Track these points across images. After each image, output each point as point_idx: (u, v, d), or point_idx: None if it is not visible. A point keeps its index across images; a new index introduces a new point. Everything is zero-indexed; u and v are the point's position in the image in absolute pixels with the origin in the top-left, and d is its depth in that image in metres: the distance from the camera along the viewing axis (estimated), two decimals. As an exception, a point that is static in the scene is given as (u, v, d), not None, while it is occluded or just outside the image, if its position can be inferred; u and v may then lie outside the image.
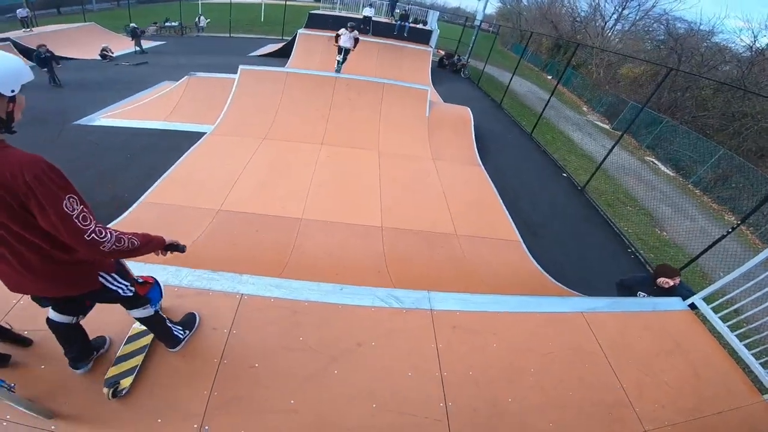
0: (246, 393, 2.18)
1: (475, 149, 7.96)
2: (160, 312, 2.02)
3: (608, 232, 6.85)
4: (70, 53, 12.85)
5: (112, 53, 13.62)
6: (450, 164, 7.29)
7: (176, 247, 1.85)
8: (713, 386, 2.72)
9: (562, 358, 2.73)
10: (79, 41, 14.11)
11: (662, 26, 23.95)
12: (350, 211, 5.48)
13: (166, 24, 20.52)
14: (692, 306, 3.29)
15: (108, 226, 1.59)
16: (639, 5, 25.60)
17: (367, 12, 16.14)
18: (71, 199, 1.28)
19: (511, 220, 6.10)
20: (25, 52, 12.26)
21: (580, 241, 6.34)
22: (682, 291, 3.42)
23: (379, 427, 2.18)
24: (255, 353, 2.37)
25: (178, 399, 2.08)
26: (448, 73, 16.99)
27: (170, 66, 12.55)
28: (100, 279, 1.61)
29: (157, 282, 1.95)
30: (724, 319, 3.08)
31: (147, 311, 1.90)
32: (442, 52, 18.43)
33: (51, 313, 1.74)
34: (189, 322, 2.32)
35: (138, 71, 12.04)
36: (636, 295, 3.61)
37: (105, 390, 1.92)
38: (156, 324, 2.02)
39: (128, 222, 4.77)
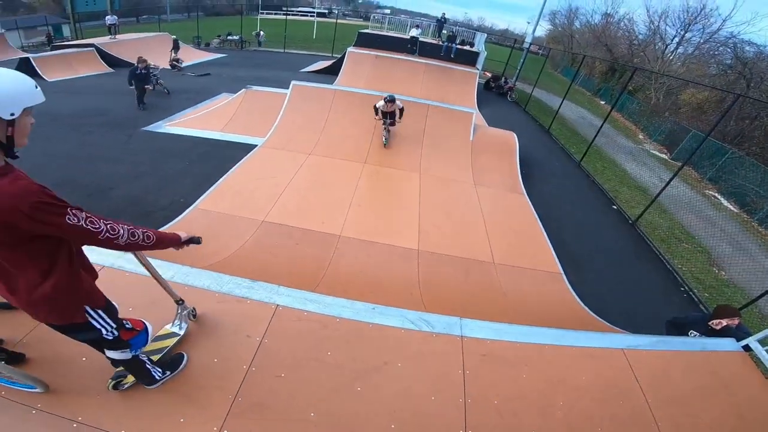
0: (268, 401, 2.24)
1: (519, 176, 7.77)
2: (141, 356, 1.94)
3: (660, 269, 6.37)
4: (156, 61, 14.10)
5: (181, 63, 14.80)
6: (492, 190, 7.15)
7: (193, 240, 1.94)
8: (759, 427, 2.51)
9: (595, 394, 2.60)
10: (155, 50, 15.44)
11: (729, 50, 22.34)
12: (388, 231, 5.51)
13: (228, 37, 22.06)
14: (746, 348, 3.03)
15: (153, 227, 1.65)
16: (704, 28, 24.14)
17: (414, 33, 16.47)
18: (72, 211, 1.31)
19: (553, 251, 5.85)
20: (107, 59, 13.71)
21: (628, 278, 5.93)
22: (740, 333, 3.16)
23: (397, 447, 2.15)
24: (283, 363, 2.44)
25: (203, 400, 2.17)
26: (495, 96, 16.82)
27: (229, 78, 13.47)
28: (86, 313, 1.57)
29: (146, 329, 1.89)
30: None
31: (124, 354, 1.79)
32: (489, 75, 18.32)
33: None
34: (174, 363, 2.23)
35: (201, 82, 13.01)
36: (687, 335, 3.39)
37: (109, 381, 2.03)
38: (133, 366, 1.95)
39: (181, 226, 5.10)
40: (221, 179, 6.14)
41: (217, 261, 4.41)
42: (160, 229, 4.98)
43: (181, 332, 2.41)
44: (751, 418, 2.55)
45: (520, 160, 8.16)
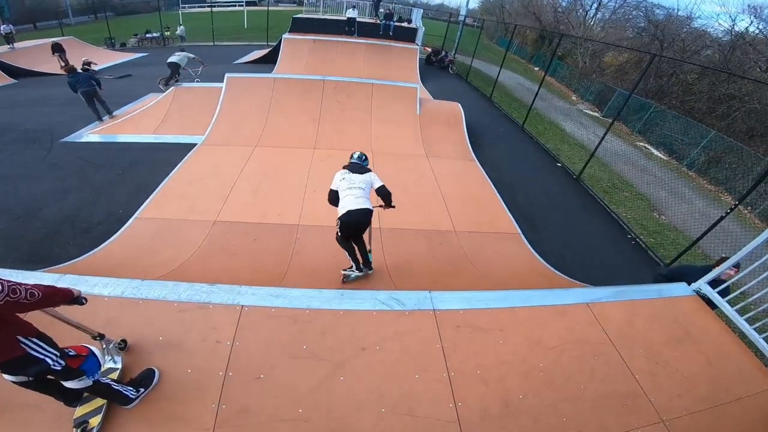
0: (254, 404, 2.16)
1: (469, 144, 7.94)
2: (102, 379, 1.90)
3: (607, 219, 6.84)
4: (50, 68, 12.66)
5: (95, 67, 13.38)
6: (444, 161, 7.26)
7: (78, 301, 1.80)
8: (728, 373, 2.71)
9: (571, 352, 2.71)
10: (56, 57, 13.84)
11: (641, 13, 24.14)
12: None
13: (147, 35, 20.27)
14: (699, 292, 3.27)
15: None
16: (618, -8, 25.81)
17: (351, 14, 16.08)
18: None
19: (509, 213, 6.08)
20: (8, 70, 12.11)
21: (579, 230, 6.33)
22: None
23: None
24: (260, 364, 2.35)
25: (186, 414, 2.06)
26: (437, 69, 16.97)
27: (154, 77, 12.32)
28: (21, 345, 1.52)
29: (92, 352, 1.83)
30: (732, 303, 3.06)
31: (84, 382, 1.76)
32: (429, 49, 18.41)
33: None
34: (145, 379, 2.15)
35: (122, 84, 11.88)
36: None
37: (74, 431, 1.89)
38: (99, 391, 1.90)
39: (125, 239, 4.70)
40: (162, 183, 5.70)
41: (171, 270, 4.11)
42: (103, 245, 4.51)
43: (118, 365, 2.21)
44: (719, 364, 2.74)
45: (467, 129, 8.33)
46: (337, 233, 3.69)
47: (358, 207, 3.53)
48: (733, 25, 18.28)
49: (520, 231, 5.71)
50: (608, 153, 9.80)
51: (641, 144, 14.08)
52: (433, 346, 2.60)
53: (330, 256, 4.63)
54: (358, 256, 3.99)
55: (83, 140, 7.29)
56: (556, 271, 4.97)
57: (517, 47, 29.33)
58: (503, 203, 6.29)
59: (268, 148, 6.79)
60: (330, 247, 4.76)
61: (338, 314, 2.71)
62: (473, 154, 7.68)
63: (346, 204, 3.56)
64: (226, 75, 7.91)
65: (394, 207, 3.90)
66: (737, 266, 3.11)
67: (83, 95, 7.95)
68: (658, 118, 14.43)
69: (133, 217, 5.07)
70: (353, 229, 3.72)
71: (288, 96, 7.83)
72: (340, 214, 3.59)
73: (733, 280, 3.13)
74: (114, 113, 8.52)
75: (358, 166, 3.85)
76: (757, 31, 17.50)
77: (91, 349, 1.83)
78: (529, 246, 5.44)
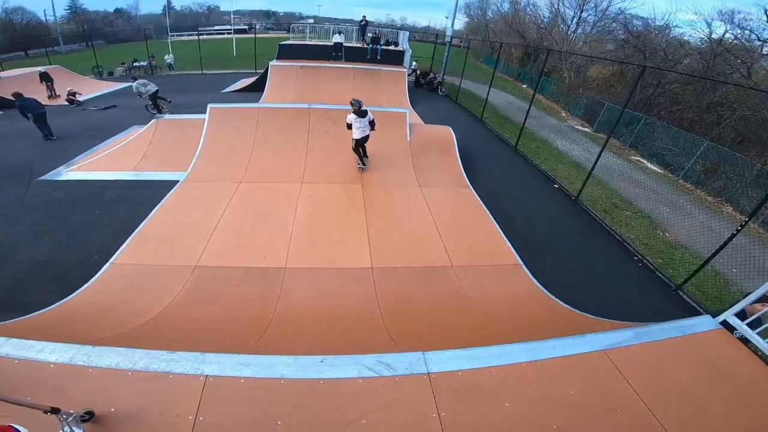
0: None
1: (462, 170, 7.73)
2: None
3: (610, 241, 6.57)
4: (37, 98, 12.36)
5: (80, 97, 13.21)
6: (437, 189, 7.01)
7: None
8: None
9: (589, 408, 2.40)
10: (44, 85, 13.65)
11: (621, 25, 24.75)
12: (337, 253, 5.11)
13: (135, 64, 20.25)
14: (725, 324, 2.97)
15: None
16: (596, 6, 26.53)
17: (337, 39, 16.19)
18: None
19: (508, 242, 5.79)
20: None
21: (583, 255, 6.04)
22: None
23: None
24: None
25: None
26: (426, 92, 17.02)
27: (140, 108, 12.17)
28: None
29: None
30: (763, 335, 2.76)
31: None
32: (418, 71, 18.54)
33: None
34: None
35: (106, 116, 11.67)
36: None
37: None
38: None
39: (99, 286, 4.35)
40: (140, 226, 5.36)
41: (143, 322, 3.75)
42: (74, 294, 4.06)
43: (79, 439, 1.89)
44: (757, 402, 2.46)
45: (460, 153, 8.14)
46: (353, 145, 6.98)
47: (363, 135, 6.80)
48: (710, 32, 18.70)
49: (521, 261, 5.41)
50: (604, 170, 9.63)
51: (635, 158, 14.05)
52: (429, 417, 2.28)
53: (318, 302, 4.30)
54: (362, 155, 7.22)
55: (61, 178, 6.97)
56: (564, 304, 4.64)
57: (504, 66, 29.82)
58: (501, 232, 6.01)
59: (254, 184, 6.50)
60: (318, 293, 4.45)
61: (317, 384, 2.39)
62: (467, 181, 7.46)
63: (358, 133, 6.74)
64: (209, 106, 7.70)
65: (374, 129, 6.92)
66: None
67: (35, 118, 8.47)
68: (649, 130, 14.45)
69: (109, 262, 4.72)
70: (361, 144, 6.96)
71: (273, 126, 7.61)
72: (355, 137, 6.80)
73: (762, 311, 2.84)
74: (55, 137, 9.04)
75: (363, 112, 6.58)
76: (733, 38, 17.89)
77: (17, 429, 1.74)
78: (531, 277, 5.13)
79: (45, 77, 13.61)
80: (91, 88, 15.02)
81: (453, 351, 2.68)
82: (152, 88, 10.59)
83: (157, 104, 10.87)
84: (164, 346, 3.16)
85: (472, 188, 7.20)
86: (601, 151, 7.69)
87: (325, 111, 7.95)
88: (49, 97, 13.46)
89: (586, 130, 17.01)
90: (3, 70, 15.17)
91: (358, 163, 7.26)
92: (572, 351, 2.76)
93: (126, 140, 8.10)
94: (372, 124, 6.74)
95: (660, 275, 5.72)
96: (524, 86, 24.80)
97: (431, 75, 17.48)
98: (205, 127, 7.47)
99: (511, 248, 5.65)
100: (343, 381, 2.41)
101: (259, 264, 4.78)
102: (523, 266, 5.31)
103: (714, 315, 3.08)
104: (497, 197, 7.22)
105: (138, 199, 6.17)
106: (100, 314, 3.84)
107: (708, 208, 10.54)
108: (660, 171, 13.18)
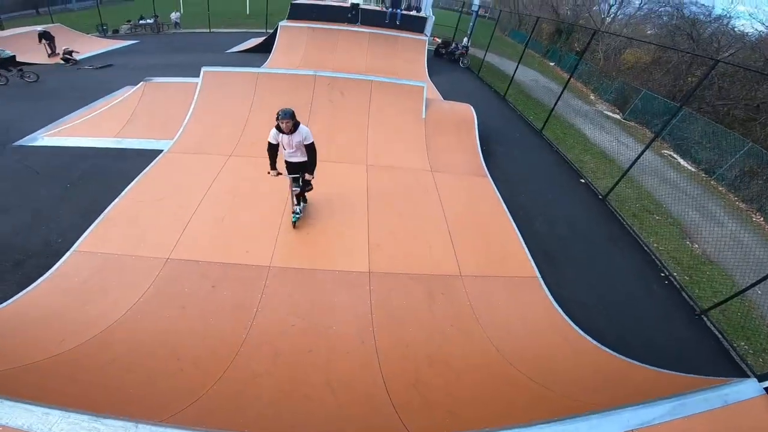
0: None
1: (481, 156, 6.89)
2: None
3: (636, 251, 5.81)
4: (33, 58, 11.64)
5: (76, 56, 12.40)
6: (452, 177, 6.22)
7: None
8: None
9: None
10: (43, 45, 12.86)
11: (669, 9, 22.47)
12: (331, 251, 4.47)
13: (141, 22, 19.13)
14: None
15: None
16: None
17: (355, -1, 14.87)
18: None
19: (526, 248, 5.08)
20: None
21: (605, 267, 5.32)
22: None
23: None
24: None
25: None
26: (446, 62, 15.75)
27: (140, 67, 11.35)
28: None
29: None
30: None
31: None
32: (439, 40, 17.14)
33: None
34: None
35: (101, 75, 10.88)
36: None
37: None
38: None
39: (57, 279, 3.81)
40: (109, 207, 4.75)
41: (91, 337, 3.18)
42: (28, 289, 3.84)
43: None
44: None
45: (479, 135, 7.27)
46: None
47: (294, 160, 4.35)
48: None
49: (538, 273, 4.72)
50: (635, 165, 8.73)
51: (666, 152, 12.90)
52: None
53: (303, 316, 3.68)
54: (295, 196, 4.62)
55: (37, 143, 6.34)
56: (581, 332, 3.97)
57: (531, 41, 27.80)
58: (519, 234, 5.29)
59: (244, 159, 5.79)
60: (304, 302, 3.83)
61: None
62: (485, 168, 6.64)
63: (286, 156, 4.34)
64: (203, 69, 6.89)
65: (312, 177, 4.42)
66: None
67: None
68: (686, 124, 13.17)
69: (71, 250, 4.15)
70: (294, 173, 4.45)
71: (273, 94, 6.79)
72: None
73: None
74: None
75: (294, 125, 3.97)
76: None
77: None
78: (547, 293, 4.46)
79: (45, 36, 12.79)
80: (91, 47, 14.11)
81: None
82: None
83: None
84: (102, 386, 2.63)
85: (490, 177, 6.40)
86: (643, 152, 6.78)
87: (332, 79, 7.06)
88: (50, 55, 12.71)
89: (617, 116, 15.70)
90: (3, 29, 14.30)
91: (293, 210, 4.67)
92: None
93: (112, 102, 7.38)
94: (309, 149, 4.14)
95: (686, 296, 5.03)
96: (552, 64, 23.07)
97: (453, 45, 16.12)
98: (197, 91, 6.69)
99: (529, 256, 4.96)
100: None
101: (241, 260, 4.16)
102: (540, 280, 4.62)
103: (760, 379, 2.44)
104: (516, 189, 6.44)
105: (114, 171, 5.55)
106: (46, 321, 3.29)
107: (739, 215, 9.58)
108: (692, 169, 12.07)
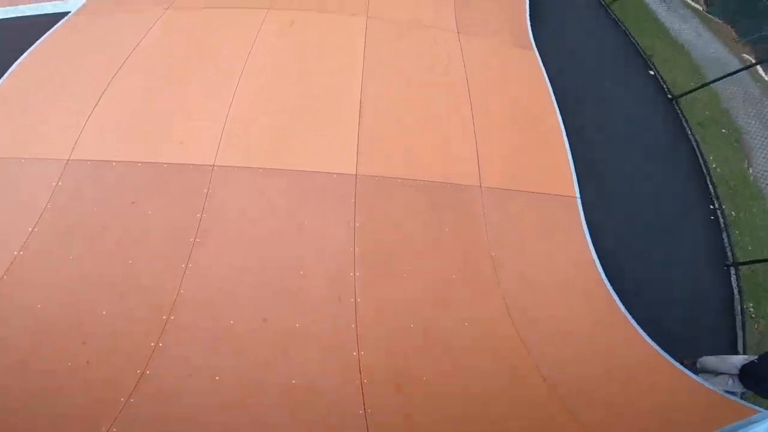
0: None
1: (528, 18, 5.04)
2: None
3: (693, 169, 4.69)
4: None
5: None
6: (485, 43, 4.47)
7: None
8: None
9: None
10: None
11: None
12: (304, 142, 3.19)
13: None
14: None
15: None
16: None
17: None
18: None
19: (569, 153, 3.77)
20: None
21: (653, 188, 4.31)
22: None
23: None
24: None
25: None
26: None
27: None
28: None
29: None
30: None
31: None
32: None
33: None
34: None
35: None
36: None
37: None
38: None
39: None
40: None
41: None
42: None
43: None
44: None
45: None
46: None
47: None
48: None
49: (577, 191, 3.52)
50: (710, 62, 6.79)
51: (746, 56, 10.35)
52: None
53: (257, 261, 2.62)
54: None
55: None
56: (623, 308, 2.90)
57: None
58: (565, 135, 3.93)
59: (188, 11, 4.07)
60: (260, 229, 2.75)
61: None
62: (531, 37, 4.85)
63: None
64: None
65: None
66: None
67: None
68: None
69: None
70: None
71: None
72: None
73: None
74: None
75: None
76: None
77: None
78: (585, 230, 3.32)
79: None
80: None
81: None
82: None
83: None
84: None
85: (537, 52, 4.68)
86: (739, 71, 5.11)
87: None
88: None
89: (697, 6, 12.44)
90: None
91: None
92: None
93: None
94: None
95: (725, 237, 4.15)
96: None
97: None
98: None
99: (572, 167, 3.69)
100: None
101: (173, 156, 2.96)
102: (579, 202, 3.43)
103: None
104: (564, 72, 4.76)
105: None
106: None
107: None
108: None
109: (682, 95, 5.32)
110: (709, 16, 11.59)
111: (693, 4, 12.37)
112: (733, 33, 11.20)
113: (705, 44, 8.12)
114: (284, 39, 3.89)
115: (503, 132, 3.68)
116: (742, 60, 9.64)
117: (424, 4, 4.62)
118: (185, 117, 3.17)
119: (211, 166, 2.94)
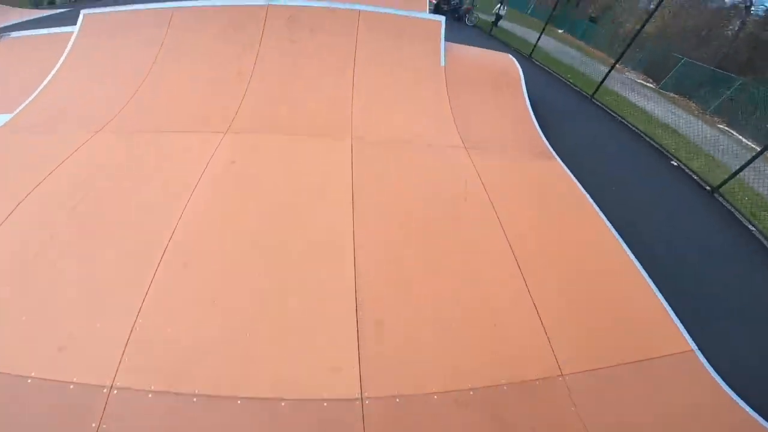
0: None
1: (536, 125, 4.41)
2: None
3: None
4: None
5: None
6: (500, 157, 3.69)
7: None
8: None
9: None
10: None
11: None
12: (266, 343, 1.96)
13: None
14: None
15: None
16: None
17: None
18: None
19: (658, 292, 2.68)
20: None
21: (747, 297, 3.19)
22: None
23: None
24: None
25: None
26: (449, 20, 12.97)
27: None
28: None
29: None
30: None
31: None
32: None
33: None
34: None
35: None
36: None
37: None
38: None
39: None
40: None
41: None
42: None
43: None
44: None
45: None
46: None
47: None
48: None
49: (694, 345, 2.35)
50: (709, 143, 6.60)
51: (722, 126, 10.63)
52: None
53: None
54: None
55: None
56: None
57: (532, 9, 25.01)
58: (639, 265, 2.86)
59: (123, 135, 3.13)
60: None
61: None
62: (548, 144, 4.14)
63: None
64: (83, 12, 4.24)
65: None
66: None
67: None
68: (745, 97, 10.99)
69: None
70: None
71: (197, 36, 4.17)
72: None
73: None
74: None
75: None
76: None
77: None
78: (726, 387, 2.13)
79: None
80: (5, 17, 11.02)
81: None
82: None
83: None
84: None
85: (561, 161, 3.89)
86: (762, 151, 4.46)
87: (294, 9, 4.40)
88: None
89: (650, 86, 13.32)
90: None
91: None
92: None
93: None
94: None
95: None
96: (560, 31, 20.43)
97: (456, 0, 13.38)
98: (70, 43, 4.05)
99: (670, 311, 2.55)
100: None
101: (47, 373, 1.64)
102: (704, 360, 2.26)
103: None
104: (587, 179, 3.93)
105: None
106: None
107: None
108: (757, 147, 9.79)
109: (721, 185, 4.62)
110: (664, 92, 12.30)
111: (646, 84, 13.23)
112: (693, 105, 11.82)
113: (689, 125, 8.04)
114: (244, 168, 2.93)
115: (558, 274, 2.59)
116: (720, 131, 9.79)
117: (422, 123, 4.02)
118: (80, 298, 1.94)
119: (104, 387, 1.62)
